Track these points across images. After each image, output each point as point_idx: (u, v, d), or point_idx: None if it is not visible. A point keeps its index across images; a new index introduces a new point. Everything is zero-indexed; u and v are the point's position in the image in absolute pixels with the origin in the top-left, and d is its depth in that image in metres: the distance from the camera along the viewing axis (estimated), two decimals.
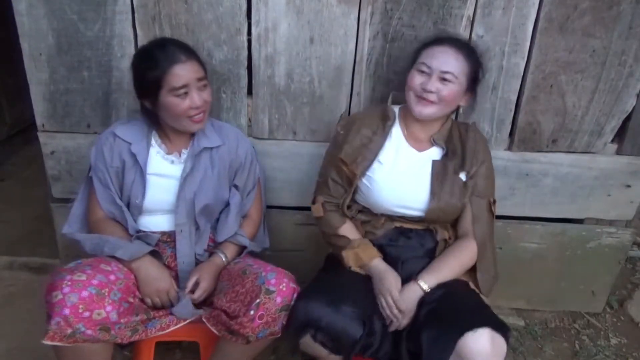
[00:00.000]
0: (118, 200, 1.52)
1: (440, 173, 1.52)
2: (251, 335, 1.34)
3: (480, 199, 1.54)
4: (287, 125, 1.83)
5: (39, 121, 1.82)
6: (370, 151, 1.54)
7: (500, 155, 1.86)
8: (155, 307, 1.45)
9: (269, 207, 1.89)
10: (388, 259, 1.55)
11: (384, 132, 1.55)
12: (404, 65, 1.64)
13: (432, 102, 1.46)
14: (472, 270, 1.54)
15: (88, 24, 1.66)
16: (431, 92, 1.44)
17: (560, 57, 1.70)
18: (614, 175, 1.90)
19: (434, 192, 1.50)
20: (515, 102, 1.78)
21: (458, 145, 1.55)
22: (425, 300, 1.43)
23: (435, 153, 1.56)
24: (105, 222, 1.54)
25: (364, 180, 1.55)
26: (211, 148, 1.57)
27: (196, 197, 1.53)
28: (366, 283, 1.51)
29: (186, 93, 1.42)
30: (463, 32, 1.67)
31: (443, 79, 1.44)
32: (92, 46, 1.69)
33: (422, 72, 1.46)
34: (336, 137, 1.62)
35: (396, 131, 1.57)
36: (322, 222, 1.62)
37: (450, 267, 1.49)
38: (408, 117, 1.56)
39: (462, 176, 1.53)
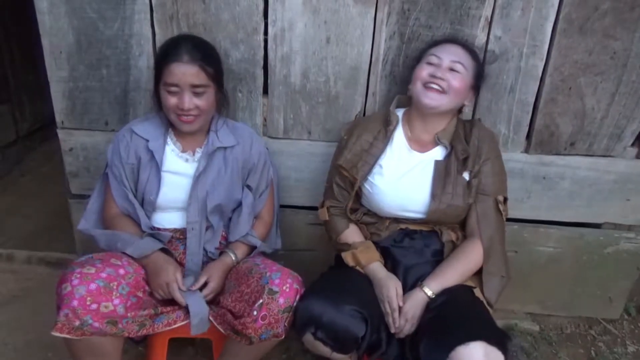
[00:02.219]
0: (131, 197, 1.54)
1: (442, 173, 1.50)
2: (254, 336, 1.34)
3: (486, 197, 1.52)
4: (302, 124, 1.83)
5: (58, 118, 1.85)
6: (371, 156, 1.55)
7: (517, 158, 1.84)
8: (164, 302, 1.46)
9: (282, 206, 1.89)
10: (393, 260, 1.54)
11: (386, 137, 1.56)
12: None
13: (441, 92, 1.45)
14: (481, 273, 1.52)
15: (107, 22, 1.68)
16: (441, 79, 1.44)
17: (579, 58, 1.67)
18: (633, 179, 1.87)
19: (434, 194, 1.49)
20: (532, 104, 1.76)
21: (462, 144, 1.53)
22: (428, 307, 1.42)
23: (439, 153, 1.55)
24: (120, 219, 1.57)
25: (365, 185, 1.56)
26: (225, 148, 1.58)
27: (208, 196, 1.54)
28: (370, 283, 1.50)
29: (177, 92, 1.44)
30: (481, 33, 1.65)
31: (452, 70, 1.45)
32: (111, 44, 1.72)
33: (431, 63, 1.48)
34: (340, 142, 1.64)
35: (398, 135, 1.57)
36: (328, 226, 1.65)
37: (455, 271, 1.48)
38: (412, 118, 1.56)
39: (466, 175, 1.51)
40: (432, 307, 1.41)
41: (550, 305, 2.15)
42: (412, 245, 1.55)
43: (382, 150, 1.55)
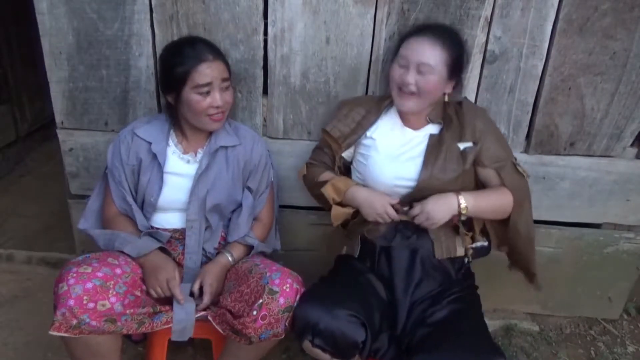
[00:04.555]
0: (129, 198, 1.55)
1: (435, 145, 1.51)
2: (253, 336, 1.34)
3: (501, 163, 1.52)
4: (302, 125, 1.83)
5: (58, 118, 1.85)
6: (360, 127, 1.58)
7: (517, 158, 1.83)
8: (160, 300, 1.46)
9: (282, 206, 1.89)
10: (387, 260, 1.54)
11: (379, 111, 1.58)
12: None
13: (412, 94, 1.45)
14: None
15: (107, 23, 1.68)
16: (410, 83, 1.44)
17: (579, 59, 1.67)
18: (633, 179, 1.87)
19: (426, 162, 1.49)
20: (532, 104, 1.76)
21: (454, 118, 1.52)
22: (425, 321, 1.42)
23: (433, 129, 1.55)
24: (118, 218, 1.57)
25: (359, 158, 1.59)
26: (227, 147, 1.58)
27: (208, 194, 1.55)
28: (366, 288, 1.49)
29: (208, 92, 1.45)
30: (480, 33, 1.65)
31: (420, 71, 1.43)
32: (111, 45, 1.72)
33: (401, 65, 1.47)
34: (335, 109, 1.69)
35: (393, 112, 1.59)
36: (306, 178, 1.68)
37: (489, 198, 1.49)
38: None
39: (460, 145, 1.50)
40: (430, 322, 1.41)
41: (551, 306, 2.15)
42: (406, 246, 1.53)
43: (372, 122, 1.57)
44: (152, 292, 1.44)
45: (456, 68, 1.48)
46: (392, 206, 1.49)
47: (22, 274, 2.22)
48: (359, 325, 1.31)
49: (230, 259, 1.56)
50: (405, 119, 1.56)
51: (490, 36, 1.66)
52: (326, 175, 1.64)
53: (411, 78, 1.43)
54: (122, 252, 1.47)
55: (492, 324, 2.05)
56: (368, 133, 1.58)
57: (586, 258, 2.02)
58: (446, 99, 1.53)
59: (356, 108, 1.60)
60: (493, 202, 1.50)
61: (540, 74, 1.71)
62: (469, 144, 1.51)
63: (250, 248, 1.62)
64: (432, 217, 1.43)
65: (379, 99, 1.61)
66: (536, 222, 1.96)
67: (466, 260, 1.58)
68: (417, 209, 1.45)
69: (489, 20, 1.64)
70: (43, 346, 1.83)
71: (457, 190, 1.46)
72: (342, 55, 1.71)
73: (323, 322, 1.29)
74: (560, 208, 1.93)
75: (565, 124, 1.78)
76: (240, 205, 1.63)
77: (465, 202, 1.44)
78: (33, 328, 1.90)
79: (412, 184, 1.51)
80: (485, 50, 1.68)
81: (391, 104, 1.58)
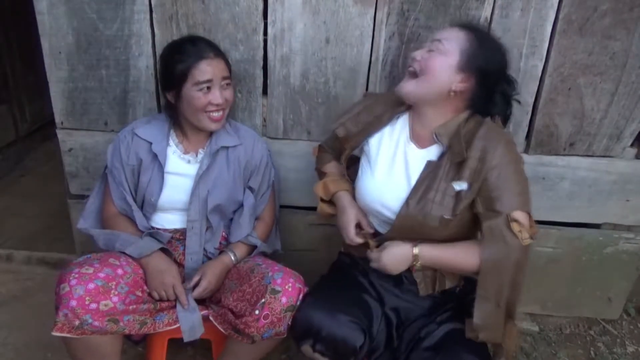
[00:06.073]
0: (129, 199, 1.55)
1: (429, 176, 1.31)
2: (256, 335, 1.35)
3: (494, 213, 1.24)
4: (302, 125, 1.83)
5: (57, 118, 1.85)
6: (370, 128, 1.45)
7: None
8: (161, 300, 1.46)
9: (281, 206, 1.89)
10: (374, 279, 1.50)
11: (390, 117, 1.43)
12: None
13: (412, 75, 1.31)
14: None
15: (107, 22, 1.68)
16: (415, 59, 1.30)
17: (579, 59, 1.67)
18: (632, 179, 1.87)
19: (409, 197, 1.31)
20: (532, 104, 1.76)
21: (460, 145, 1.28)
22: (420, 344, 1.36)
23: (435, 153, 1.36)
24: (118, 218, 1.57)
25: (360, 164, 1.51)
26: (227, 147, 1.58)
27: (209, 195, 1.55)
28: (366, 290, 1.48)
29: (209, 88, 1.45)
30: None
31: (431, 49, 1.29)
32: (111, 45, 1.72)
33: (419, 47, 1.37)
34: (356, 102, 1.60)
35: (403, 121, 1.43)
36: (317, 159, 1.68)
37: (450, 255, 1.32)
38: (413, 111, 1.42)
39: (457, 185, 1.27)
40: (427, 346, 1.35)
41: (550, 306, 2.15)
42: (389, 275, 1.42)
43: (378, 128, 1.43)
44: (155, 295, 1.45)
45: (472, 63, 1.27)
46: (363, 233, 1.43)
47: (22, 274, 2.22)
48: (360, 331, 1.29)
49: (233, 258, 1.56)
50: (414, 130, 1.39)
51: None
52: (329, 167, 1.62)
53: (419, 54, 1.30)
54: (123, 252, 1.47)
55: None
56: (370, 139, 1.45)
57: (586, 258, 2.02)
58: (451, 94, 1.30)
59: (375, 107, 1.45)
60: (453, 261, 1.32)
61: (540, 74, 1.71)
62: (465, 185, 1.27)
63: (252, 248, 1.63)
64: (386, 270, 1.36)
65: (398, 102, 1.41)
66: (536, 222, 1.95)
67: (457, 289, 1.46)
68: (374, 255, 1.37)
69: (488, 20, 1.64)
70: (43, 346, 1.83)
71: (425, 239, 1.33)
72: (342, 56, 1.71)
73: (326, 328, 1.27)
74: (559, 208, 1.93)
75: (565, 124, 1.78)
76: (241, 206, 1.63)
77: (419, 254, 1.32)
78: (33, 328, 1.90)
79: (391, 215, 1.36)
80: None
81: (406, 109, 1.43)
